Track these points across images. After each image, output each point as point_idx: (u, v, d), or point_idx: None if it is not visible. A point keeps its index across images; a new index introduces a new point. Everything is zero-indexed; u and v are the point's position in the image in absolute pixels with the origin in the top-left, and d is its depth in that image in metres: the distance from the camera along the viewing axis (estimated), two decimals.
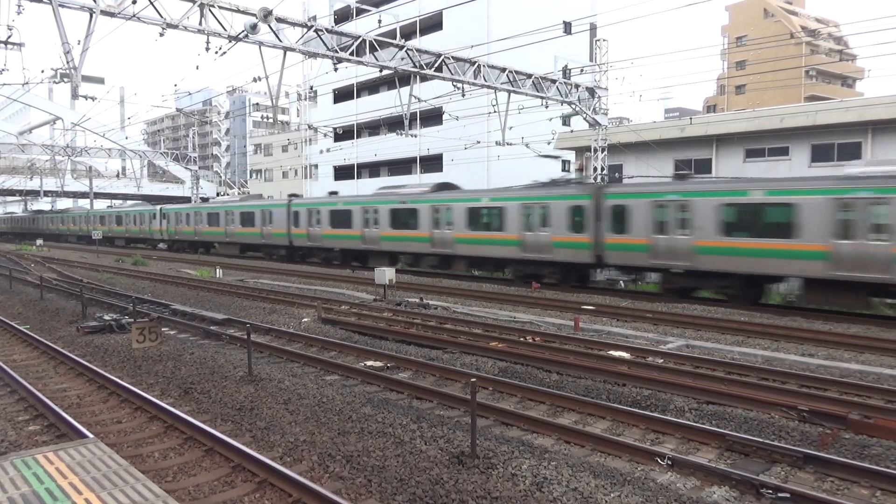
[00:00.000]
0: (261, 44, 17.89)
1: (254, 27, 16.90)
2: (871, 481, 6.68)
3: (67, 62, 15.50)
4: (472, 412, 7.15)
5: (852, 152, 25.37)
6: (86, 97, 18.21)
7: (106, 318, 16.06)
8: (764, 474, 6.93)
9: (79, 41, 15.70)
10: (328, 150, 47.88)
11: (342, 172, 55.49)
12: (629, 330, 15.20)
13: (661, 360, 11.86)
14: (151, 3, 16.11)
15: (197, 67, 21.77)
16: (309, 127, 40.18)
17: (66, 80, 16.35)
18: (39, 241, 58.36)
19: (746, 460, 7.36)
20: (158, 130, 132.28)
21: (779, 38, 47.28)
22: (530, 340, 13.62)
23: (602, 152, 26.43)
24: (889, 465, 7.10)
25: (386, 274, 20.31)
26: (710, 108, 70.29)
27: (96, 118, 51.33)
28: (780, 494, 6.30)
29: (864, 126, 24.72)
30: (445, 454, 7.25)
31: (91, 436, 7.18)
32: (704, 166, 29.21)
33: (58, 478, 4.66)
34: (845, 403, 9.04)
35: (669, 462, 7.15)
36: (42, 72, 24.19)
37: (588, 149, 28.39)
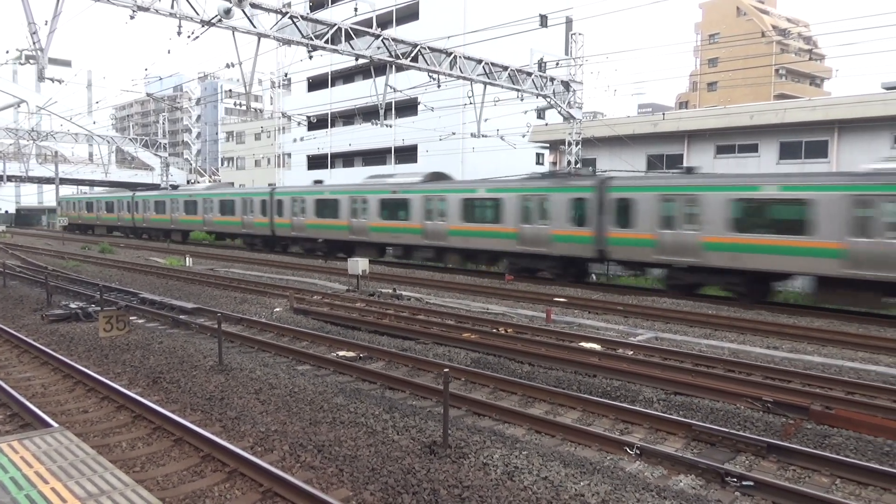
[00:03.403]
0: (234, 29, 17.61)
1: (227, 12, 16.61)
2: (831, 470, 6.89)
3: (33, 43, 15.09)
4: (445, 402, 7.18)
5: (819, 150, 25.93)
6: (52, 80, 17.65)
7: (72, 306, 15.73)
8: (729, 463, 7.10)
9: (46, 22, 15.29)
10: (302, 139, 47.37)
11: (316, 161, 55.07)
12: (600, 322, 15.39)
13: (631, 352, 12.03)
14: None
15: (168, 52, 21.48)
16: (282, 115, 39.51)
17: (31, 61, 15.90)
18: (1, 228, 56.70)
19: (712, 449, 7.52)
20: (127, 116, 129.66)
21: (750, 36, 47.99)
22: (503, 332, 13.71)
23: (576, 146, 26.60)
24: (849, 455, 7.32)
25: (359, 264, 20.28)
26: (683, 104, 71.21)
27: (63, 102, 50.01)
28: (744, 482, 6.46)
29: (830, 125, 25.25)
30: (418, 444, 7.28)
31: (57, 425, 7.05)
32: (676, 162, 29.59)
33: (23, 467, 4.57)
34: (808, 394, 9.28)
35: (638, 451, 7.28)
36: (7, 53, 23.55)
37: (562, 142, 28.52)
